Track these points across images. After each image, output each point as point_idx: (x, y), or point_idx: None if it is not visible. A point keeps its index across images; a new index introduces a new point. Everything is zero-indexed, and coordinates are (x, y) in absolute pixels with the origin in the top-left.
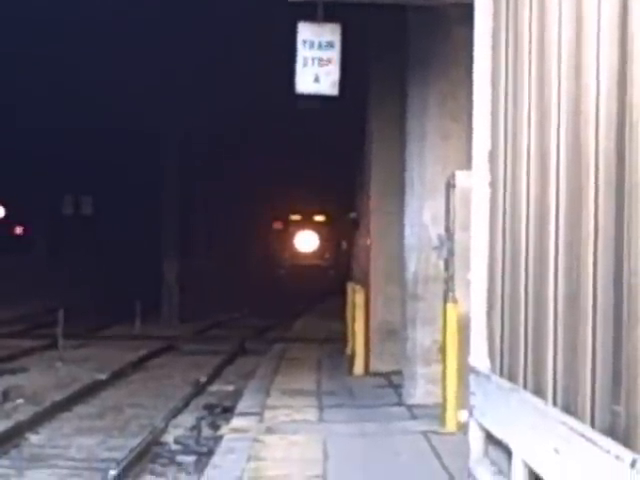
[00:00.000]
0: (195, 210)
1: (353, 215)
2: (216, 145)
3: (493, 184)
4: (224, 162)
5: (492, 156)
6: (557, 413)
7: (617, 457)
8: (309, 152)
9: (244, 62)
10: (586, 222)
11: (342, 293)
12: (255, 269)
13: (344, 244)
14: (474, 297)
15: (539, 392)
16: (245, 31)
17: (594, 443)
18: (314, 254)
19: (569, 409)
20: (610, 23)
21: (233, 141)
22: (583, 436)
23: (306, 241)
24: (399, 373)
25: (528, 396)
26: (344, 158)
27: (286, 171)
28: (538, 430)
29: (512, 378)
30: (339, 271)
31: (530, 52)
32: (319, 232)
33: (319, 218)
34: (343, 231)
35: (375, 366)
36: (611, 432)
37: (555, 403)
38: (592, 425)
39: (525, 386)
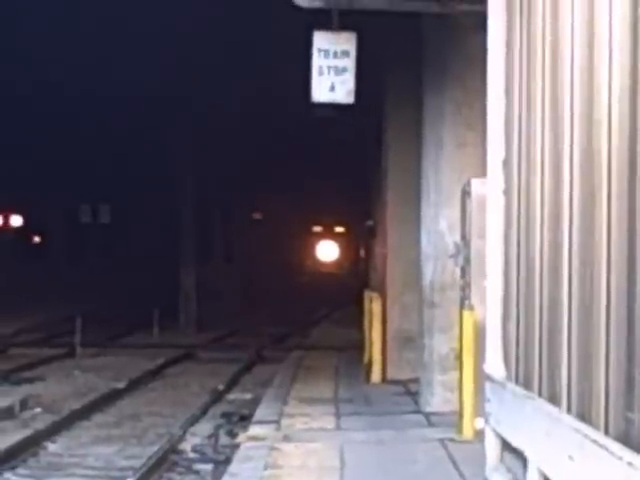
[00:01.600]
0: (213, 217)
1: (370, 223)
2: (231, 154)
3: (507, 192)
4: (241, 171)
5: (506, 164)
6: (571, 420)
7: (630, 464)
8: (325, 161)
9: (259, 69)
10: (599, 228)
11: (360, 301)
12: (273, 277)
13: (362, 252)
14: (489, 305)
15: (554, 399)
16: (261, 39)
17: (607, 450)
18: (334, 263)
19: (583, 416)
20: (622, 32)
21: (249, 150)
22: (596, 443)
23: (326, 251)
24: (416, 381)
25: (543, 403)
26: (361, 167)
27: (304, 180)
28: (552, 437)
29: (527, 385)
30: (357, 279)
31: (543, 61)
32: (338, 242)
33: (339, 229)
34: (361, 240)
35: (392, 374)
36: (625, 439)
37: (570, 410)
38: (606, 432)
39: (540, 393)
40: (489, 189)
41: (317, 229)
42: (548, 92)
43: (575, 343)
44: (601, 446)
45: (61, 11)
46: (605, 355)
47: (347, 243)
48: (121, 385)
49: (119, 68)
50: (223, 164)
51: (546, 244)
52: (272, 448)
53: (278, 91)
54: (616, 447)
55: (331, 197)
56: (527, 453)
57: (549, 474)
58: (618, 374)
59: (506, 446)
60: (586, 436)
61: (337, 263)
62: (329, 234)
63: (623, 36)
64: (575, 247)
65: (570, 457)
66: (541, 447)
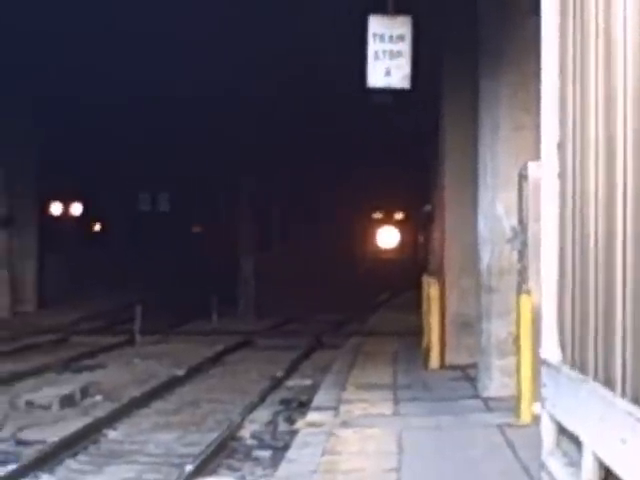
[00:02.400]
0: (272, 205)
1: (427, 208)
2: (290, 145)
3: (562, 175)
4: (299, 161)
5: (561, 147)
6: (624, 404)
7: None
8: (384, 148)
9: (314, 56)
10: None
11: (419, 286)
12: (333, 263)
13: (421, 238)
14: (545, 289)
15: (609, 383)
16: (313, 27)
17: None
18: (394, 249)
19: (637, 400)
20: None
21: (308, 140)
22: None
23: (387, 237)
24: (475, 366)
25: (597, 387)
26: (419, 152)
27: (363, 167)
28: (606, 421)
29: (582, 369)
30: (416, 264)
31: (596, 44)
32: (399, 228)
33: (399, 216)
34: (420, 225)
35: (451, 359)
36: None
37: (624, 394)
38: None
39: (595, 377)
40: (544, 172)
41: (377, 216)
42: (601, 76)
43: (630, 327)
44: None
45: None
46: None
47: (406, 229)
48: (180, 372)
49: (186, 68)
50: (282, 156)
51: (600, 229)
52: (330, 434)
53: (335, 79)
54: None
55: (390, 183)
56: (582, 437)
57: (603, 458)
58: None
59: (562, 431)
60: (638, 419)
61: (397, 249)
62: (389, 220)
63: None
64: (629, 232)
65: (623, 440)
66: (595, 431)
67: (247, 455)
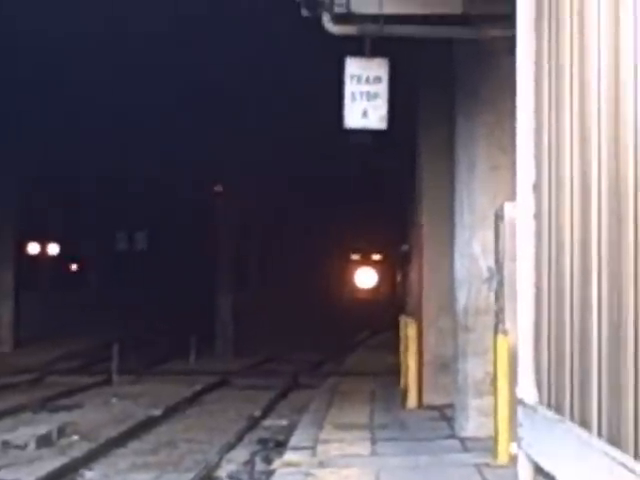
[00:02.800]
0: (250, 245)
1: (405, 248)
2: (269, 185)
3: (538, 216)
4: (278, 201)
5: (537, 188)
6: (600, 444)
7: None
8: (361, 188)
9: (291, 98)
10: (626, 255)
11: (396, 326)
12: (310, 304)
13: (399, 277)
14: (521, 329)
15: (585, 423)
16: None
17: (636, 474)
18: (372, 289)
19: (613, 440)
20: None
21: (285, 177)
22: (625, 467)
23: (365, 278)
24: (452, 406)
25: (573, 427)
26: (396, 192)
27: (341, 207)
28: (583, 461)
29: (558, 409)
30: (394, 304)
31: (571, 84)
32: (377, 268)
33: (376, 257)
34: (397, 265)
35: (428, 399)
36: None
37: (600, 434)
38: (636, 456)
39: (571, 417)
40: (519, 213)
41: (355, 257)
42: (576, 117)
43: (605, 368)
44: (630, 470)
45: None
46: (634, 381)
47: (384, 269)
48: (158, 412)
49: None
50: (259, 195)
51: (576, 269)
52: (307, 474)
53: (310, 119)
54: None
55: (368, 222)
56: (558, 477)
57: None
58: None
59: (539, 471)
60: (614, 459)
61: (375, 289)
62: (367, 261)
63: None
64: (604, 272)
65: None
66: (572, 471)
67: None
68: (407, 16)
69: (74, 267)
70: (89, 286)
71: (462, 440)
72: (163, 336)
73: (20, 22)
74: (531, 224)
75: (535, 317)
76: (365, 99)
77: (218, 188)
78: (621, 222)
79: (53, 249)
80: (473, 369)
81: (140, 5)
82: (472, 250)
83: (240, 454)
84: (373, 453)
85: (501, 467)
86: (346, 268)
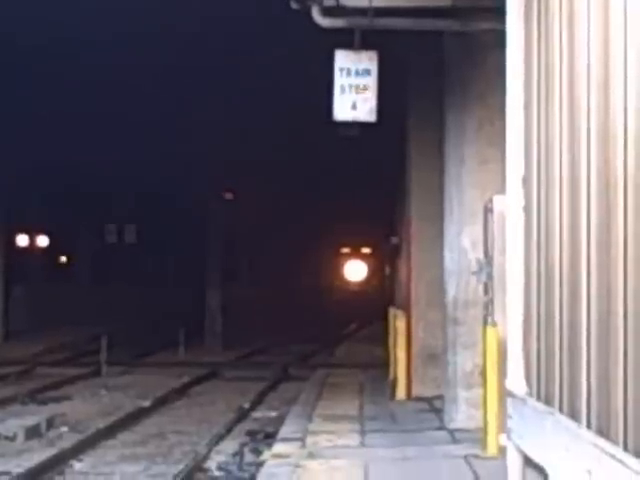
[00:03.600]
0: (239, 238)
1: (394, 241)
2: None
3: (527, 209)
4: (268, 194)
5: (526, 181)
6: (589, 435)
7: None
8: (350, 181)
9: (280, 89)
10: (615, 246)
11: (385, 318)
12: (301, 296)
13: (388, 270)
14: (510, 321)
15: (574, 415)
16: (280, 60)
17: (624, 464)
18: (362, 282)
19: (602, 432)
20: (637, 52)
21: (275, 170)
22: (614, 457)
23: (355, 270)
24: (441, 398)
25: (562, 419)
26: (386, 185)
27: (331, 199)
28: (572, 452)
29: (548, 401)
30: (383, 297)
31: (561, 78)
32: (366, 261)
33: (366, 250)
34: (386, 258)
35: (417, 391)
36: None
37: (589, 426)
38: (625, 447)
39: (561, 409)
40: (509, 206)
41: (345, 250)
42: (566, 109)
43: (594, 360)
44: (618, 460)
45: None
46: (623, 373)
47: (374, 261)
48: (147, 403)
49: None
50: (253, 187)
51: (565, 262)
52: (297, 465)
53: (301, 112)
54: (633, 462)
55: (358, 215)
56: (547, 468)
57: None
58: (636, 391)
59: (528, 462)
60: (603, 450)
61: (364, 282)
62: (356, 254)
63: (638, 55)
64: (592, 264)
65: (588, 471)
66: (561, 462)
67: None
68: (397, 9)
69: (63, 259)
70: (78, 278)
71: (451, 432)
72: (153, 328)
73: (16, 23)
74: (520, 217)
75: (524, 309)
76: (354, 91)
77: (210, 189)
78: (610, 215)
79: (42, 241)
80: (462, 361)
81: (139, 5)
82: (461, 243)
83: (229, 445)
84: (362, 444)
85: (490, 459)
86: (336, 260)
